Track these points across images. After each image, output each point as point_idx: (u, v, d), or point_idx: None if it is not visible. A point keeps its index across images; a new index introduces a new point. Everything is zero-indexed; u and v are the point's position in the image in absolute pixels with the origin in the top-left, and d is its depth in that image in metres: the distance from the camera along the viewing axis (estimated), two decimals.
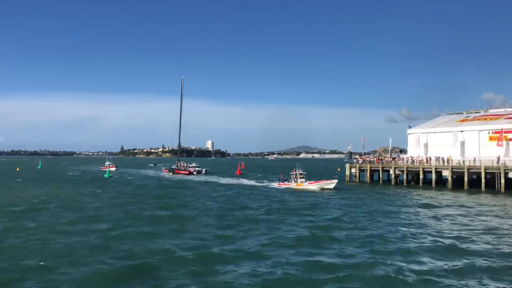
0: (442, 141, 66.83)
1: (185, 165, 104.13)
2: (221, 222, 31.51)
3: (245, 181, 77.97)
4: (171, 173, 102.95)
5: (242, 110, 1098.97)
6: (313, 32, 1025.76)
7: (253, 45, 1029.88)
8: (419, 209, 39.41)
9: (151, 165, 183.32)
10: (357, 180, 73.11)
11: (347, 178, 75.37)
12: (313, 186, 59.83)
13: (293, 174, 63.54)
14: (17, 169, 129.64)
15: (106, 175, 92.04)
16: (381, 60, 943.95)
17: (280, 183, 65.97)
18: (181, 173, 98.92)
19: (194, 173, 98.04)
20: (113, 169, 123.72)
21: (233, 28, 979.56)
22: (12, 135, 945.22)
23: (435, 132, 68.96)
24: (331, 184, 59.30)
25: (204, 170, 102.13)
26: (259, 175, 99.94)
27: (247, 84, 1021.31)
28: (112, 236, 25.94)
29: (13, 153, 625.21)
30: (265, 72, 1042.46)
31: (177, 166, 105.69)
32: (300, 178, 61.99)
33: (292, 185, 62.02)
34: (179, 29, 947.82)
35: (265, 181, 78.61)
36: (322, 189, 58.41)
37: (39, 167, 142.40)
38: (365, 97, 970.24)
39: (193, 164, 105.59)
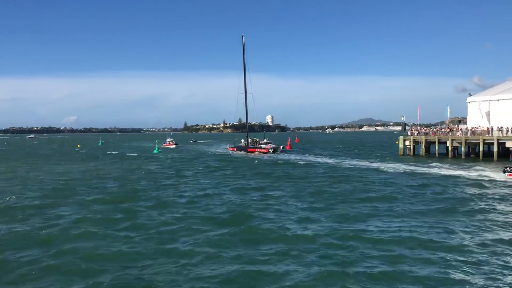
0: (506, 109, 59.96)
1: (257, 141, 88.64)
2: None
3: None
4: (242, 152, 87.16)
5: (303, 83, 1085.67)
6: None
7: (314, 14, 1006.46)
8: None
9: (190, 142, 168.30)
10: (411, 153, 68.22)
11: (401, 151, 70.72)
12: None
13: None
14: (78, 145, 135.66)
15: (155, 151, 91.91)
16: (449, 24, 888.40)
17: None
18: (257, 152, 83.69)
19: (271, 150, 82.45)
20: (173, 146, 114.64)
21: None
22: (85, 114, 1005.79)
23: (498, 100, 61.95)
24: None
25: (280, 147, 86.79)
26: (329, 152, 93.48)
27: (308, 56, 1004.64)
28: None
29: (85, 130, 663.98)
30: (327, 42, 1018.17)
31: (247, 143, 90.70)
32: None
33: None
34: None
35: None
36: None
37: (99, 143, 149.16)
38: (433, 65, 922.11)
39: (265, 140, 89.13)
